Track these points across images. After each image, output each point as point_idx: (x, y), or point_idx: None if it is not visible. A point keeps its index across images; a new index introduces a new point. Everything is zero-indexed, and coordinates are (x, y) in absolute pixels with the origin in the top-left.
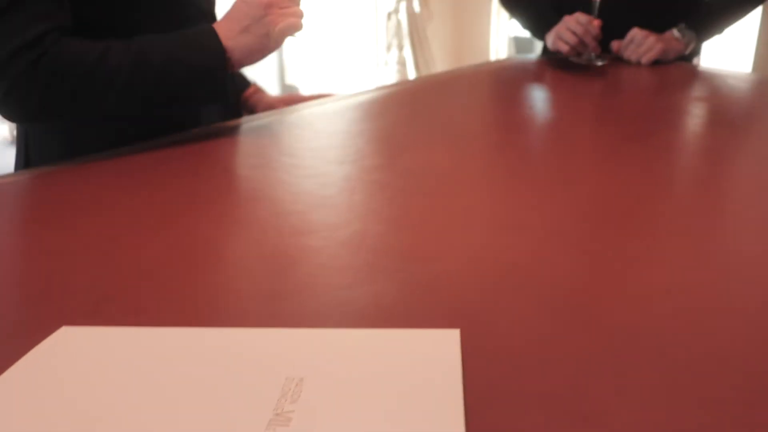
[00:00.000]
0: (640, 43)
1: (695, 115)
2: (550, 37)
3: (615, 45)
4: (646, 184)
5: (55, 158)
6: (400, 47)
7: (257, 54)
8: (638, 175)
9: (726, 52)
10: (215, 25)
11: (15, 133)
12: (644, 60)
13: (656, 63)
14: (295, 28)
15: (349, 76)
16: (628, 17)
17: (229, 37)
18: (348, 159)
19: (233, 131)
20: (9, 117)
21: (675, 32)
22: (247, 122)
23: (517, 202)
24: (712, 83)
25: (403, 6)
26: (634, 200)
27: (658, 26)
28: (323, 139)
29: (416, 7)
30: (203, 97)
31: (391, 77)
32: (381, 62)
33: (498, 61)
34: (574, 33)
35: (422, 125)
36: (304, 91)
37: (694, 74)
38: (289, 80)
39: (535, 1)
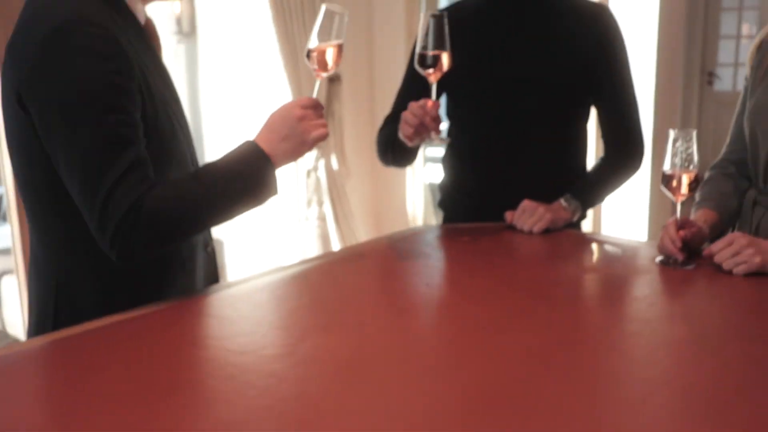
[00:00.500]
0: (531, 214)
1: (581, 285)
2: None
3: (508, 216)
4: (533, 364)
5: (88, 313)
6: (320, 203)
7: (295, 157)
8: (524, 354)
9: (624, 221)
10: (257, 138)
11: None
12: (535, 229)
13: (546, 231)
14: (325, 136)
15: (273, 232)
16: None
17: (270, 146)
18: (248, 349)
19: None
20: (117, 257)
21: (562, 202)
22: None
23: (409, 389)
24: (595, 249)
25: (321, 164)
26: (518, 381)
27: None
28: (227, 328)
29: (334, 165)
30: (260, 196)
31: (311, 232)
32: (302, 217)
33: (405, 231)
34: (414, 115)
35: (324, 308)
36: (229, 248)
37: (581, 241)
38: (216, 235)
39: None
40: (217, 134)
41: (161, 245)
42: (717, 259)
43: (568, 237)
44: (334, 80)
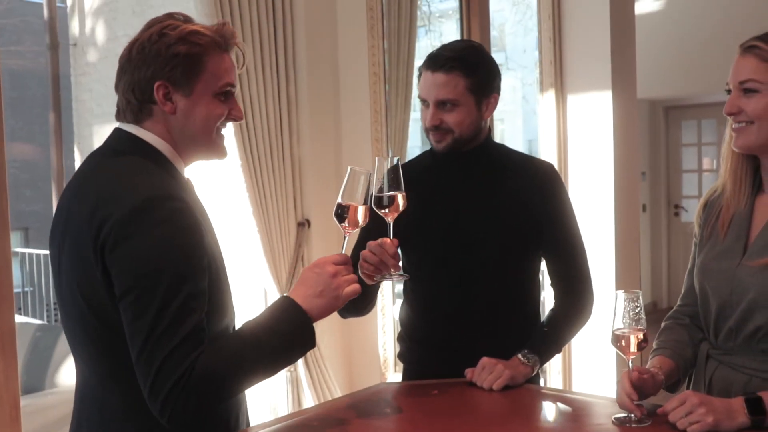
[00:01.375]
0: (490, 371)
1: None
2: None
3: (468, 373)
4: None
5: None
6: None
7: (329, 312)
8: None
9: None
10: (291, 293)
11: None
12: (495, 386)
13: (506, 387)
14: (358, 291)
15: None
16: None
17: (306, 302)
18: None
19: None
20: (167, 421)
21: (520, 357)
22: None
23: None
24: (554, 407)
25: None
26: None
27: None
28: None
29: None
30: (300, 350)
31: (282, 377)
32: None
33: (369, 389)
34: (374, 253)
35: None
36: None
37: (541, 397)
38: None
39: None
40: None
41: (209, 407)
42: (671, 418)
43: (528, 393)
44: (303, 225)
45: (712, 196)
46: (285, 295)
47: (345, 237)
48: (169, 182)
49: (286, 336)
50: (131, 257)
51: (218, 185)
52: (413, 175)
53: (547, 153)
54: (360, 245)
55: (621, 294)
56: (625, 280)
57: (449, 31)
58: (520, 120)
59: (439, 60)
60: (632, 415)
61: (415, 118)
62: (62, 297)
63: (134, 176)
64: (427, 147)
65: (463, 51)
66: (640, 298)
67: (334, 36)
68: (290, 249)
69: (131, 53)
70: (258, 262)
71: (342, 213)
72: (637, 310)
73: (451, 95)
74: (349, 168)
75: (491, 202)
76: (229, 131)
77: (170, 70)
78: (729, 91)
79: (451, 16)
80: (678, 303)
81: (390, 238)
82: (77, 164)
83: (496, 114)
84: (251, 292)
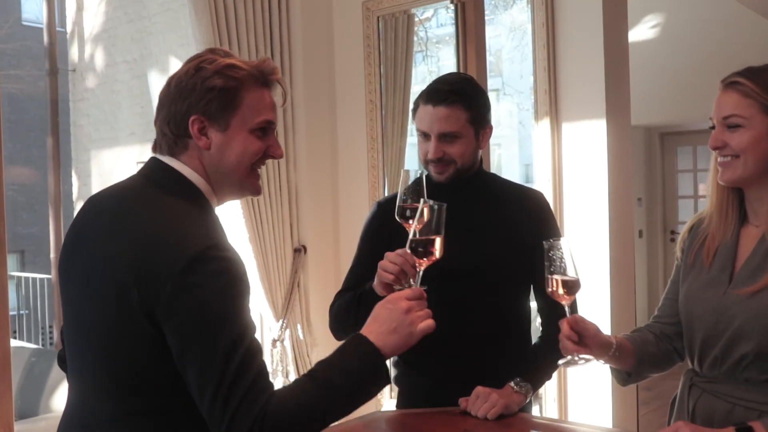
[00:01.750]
0: (484, 400)
1: None
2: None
3: (462, 402)
4: None
5: None
6: (286, 373)
7: (403, 348)
8: None
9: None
10: (364, 331)
11: None
12: (490, 415)
13: (500, 416)
14: (432, 327)
15: None
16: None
17: (379, 339)
18: None
19: None
20: None
21: (513, 386)
22: None
23: None
24: None
25: (288, 334)
26: None
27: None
28: None
29: (300, 335)
30: (373, 389)
31: None
32: None
33: (364, 417)
34: (394, 262)
35: None
36: None
37: (534, 427)
38: None
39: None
40: None
41: None
42: None
43: (523, 422)
44: (299, 251)
45: (698, 224)
46: (357, 333)
47: (419, 270)
48: (215, 229)
49: (358, 375)
50: (193, 309)
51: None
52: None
53: (542, 179)
54: (352, 279)
55: (546, 243)
56: (620, 305)
57: (446, 56)
58: (516, 145)
59: (440, 94)
60: (576, 356)
61: (412, 142)
62: (78, 326)
63: (183, 223)
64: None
65: (460, 84)
66: (562, 245)
67: (331, 64)
68: (286, 275)
69: (169, 87)
70: (254, 287)
71: (419, 246)
72: (562, 258)
73: (454, 128)
74: (422, 200)
75: (484, 230)
76: None
77: (206, 104)
78: (713, 127)
79: (448, 42)
80: (653, 316)
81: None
82: (75, 189)
83: (493, 139)
84: None
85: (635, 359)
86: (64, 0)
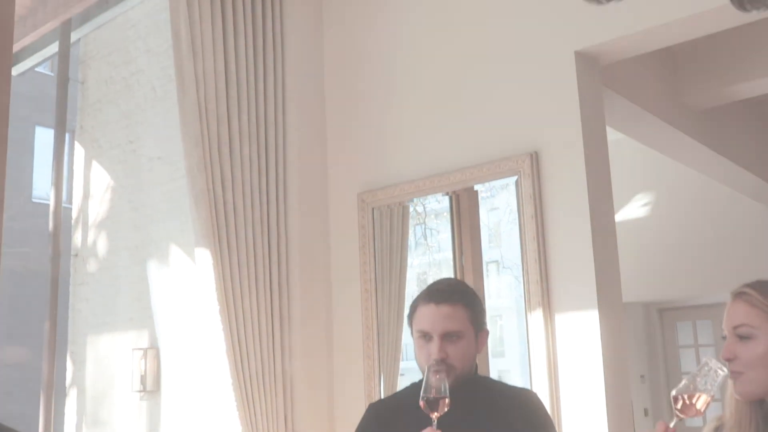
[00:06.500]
0: None
1: None
2: None
3: None
4: None
5: None
6: None
7: None
8: None
9: None
10: None
11: None
12: None
13: None
14: None
15: None
16: None
17: None
18: None
19: None
20: None
21: None
22: None
23: None
24: None
25: None
26: None
27: None
28: None
29: None
30: None
31: None
32: None
33: None
34: None
35: None
36: None
37: None
38: None
39: None
40: None
41: None
42: None
43: None
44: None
45: (719, 428)
46: None
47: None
48: None
49: None
50: None
51: (207, 404)
52: (402, 412)
53: (538, 372)
54: None
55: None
56: None
57: (444, 228)
58: (515, 317)
59: (444, 293)
60: None
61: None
62: None
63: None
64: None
65: (460, 285)
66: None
67: (327, 253)
68: None
69: None
70: None
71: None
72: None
73: (457, 326)
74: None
75: None
76: (220, 349)
77: None
78: (724, 338)
79: (446, 217)
80: None
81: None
82: (69, 374)
83: (495, 311)
84: None
85: None
86: (72, 183)
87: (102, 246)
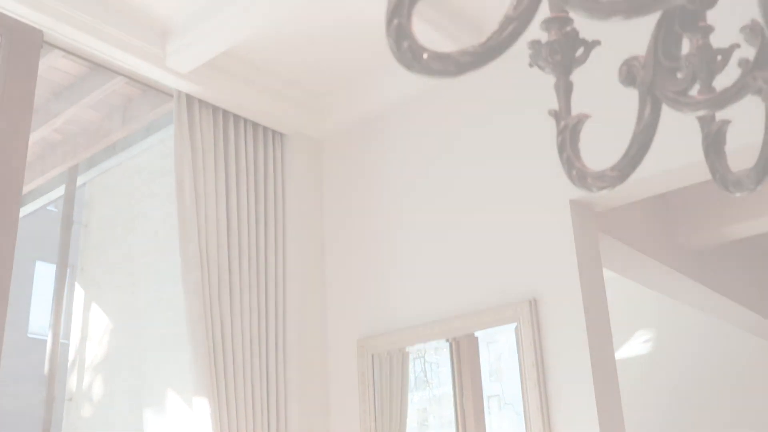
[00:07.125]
0: None
1: None
2: None
3: None
4: None
5: None
6: None
7: None
8: None
9: None
10: None
11: None
12: None
13: None
14: None
15: None
16: None
17: None
18: None
19: None
20: None
21: None
22: None
23: None
24: None
25: None
26: None
27: None
28: None
29: None
30: None
31: None
32: None
33: None
34: None
35: None
36: None
37: None
38: None
39: None
40: None
41: None
42: None
43: None
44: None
45: None
46: None
47: None
48: None
49: None
50: None
51: None
52: None
53: None
54: None
55: None
56: None
57: (444, 362)
58: None
59: None
60: None
61: None
62: None
63: None
64: None
65: None
66: None
67: (326, 400)
68: None
69: None
70: None
71: None
72: None
73: None
74: None
75: None
76: None
77: None
78: None
79: (446, 355)
80: None
81: None
82: None
83: None
84: None
85: None
86: (70, 324)
87: (98, 390)
